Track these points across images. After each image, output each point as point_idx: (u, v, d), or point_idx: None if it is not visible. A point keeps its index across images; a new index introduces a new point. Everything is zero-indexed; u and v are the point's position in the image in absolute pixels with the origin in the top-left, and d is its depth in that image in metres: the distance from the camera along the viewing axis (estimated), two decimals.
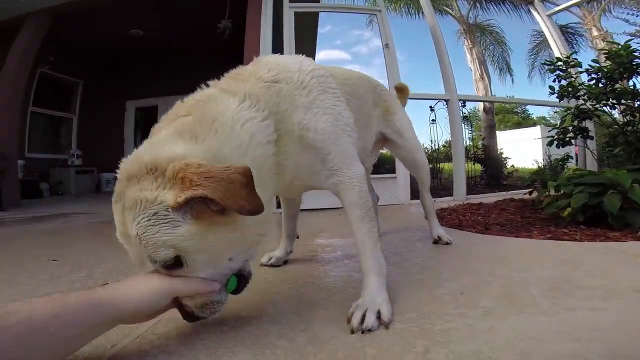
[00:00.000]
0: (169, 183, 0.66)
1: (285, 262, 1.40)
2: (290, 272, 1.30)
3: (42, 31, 4.74)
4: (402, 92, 1.84)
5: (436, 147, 4.58)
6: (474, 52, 8.25)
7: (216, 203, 0.64)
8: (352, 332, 0.77)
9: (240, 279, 0.82)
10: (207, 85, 0.91)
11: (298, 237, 1.49)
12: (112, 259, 1.52)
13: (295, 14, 3.53)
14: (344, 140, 0.96)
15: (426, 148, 4.62)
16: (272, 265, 1.35)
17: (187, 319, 0.77)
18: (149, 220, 0.65)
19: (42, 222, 3.02)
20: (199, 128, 0.75)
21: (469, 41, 8.32)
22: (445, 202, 3.23)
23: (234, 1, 4.20)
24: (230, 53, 3.61)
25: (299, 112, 0.90)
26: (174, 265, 0.70)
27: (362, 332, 0.76)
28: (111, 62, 7.01)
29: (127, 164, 0.71)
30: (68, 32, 5.34)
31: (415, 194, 3.61)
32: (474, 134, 5.85)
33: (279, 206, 1.47)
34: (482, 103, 7.32)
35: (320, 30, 5.45)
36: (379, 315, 0.80)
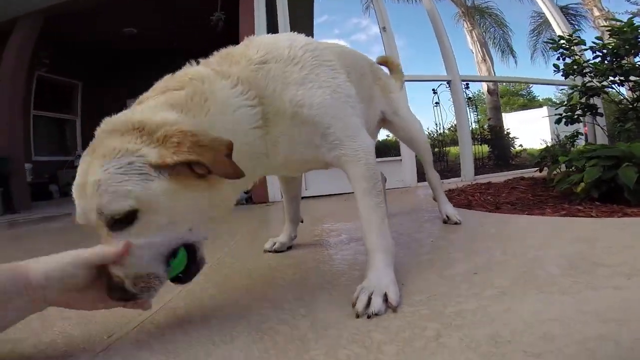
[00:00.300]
0: (156, 143, 0.64)
1: (290, 248, 1.36)
2: (294, 257, 1.26)
3: (35, 33, 4.69)
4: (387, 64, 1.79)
5: (441, 130, 4.48)
6: (474, 34, 8.04)
7: (203, 167, 0.65)
8: (357, 316, 0.72)
9: (191, 257, 0.72)
10: (198, 63, 0.87)
11: (302, 222, 1.45)
12: None
13: (289, 1, 3.43)
14: (346, 113, 0.90)
15: (431, 132, 4.54)
16: (275, 251, 1.32)
17: (114, 293, 0.65)
18: (121, 168, 0.62)
19: (51, 222, 3.04)
20: (191, 104, 0.74)
21: (468, 23, 8.10)
22: (453, 183, 3.16)
23: None
24: None
25: (291, 89, 0.85)
26: (122, 221, 0.63)
27: (368, 317, 0.71)
28: (111, 62, 6.95)
29: (114, 121, 0.70)
30: (63, 33, 5.28)
31: (422, 176, 3.54)
32: (479, 117, 5.72)
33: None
34: (486, 85, 7.15)
35: (317, 20, 5.33)
36: (386, 298, 0.75)
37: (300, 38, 0.95)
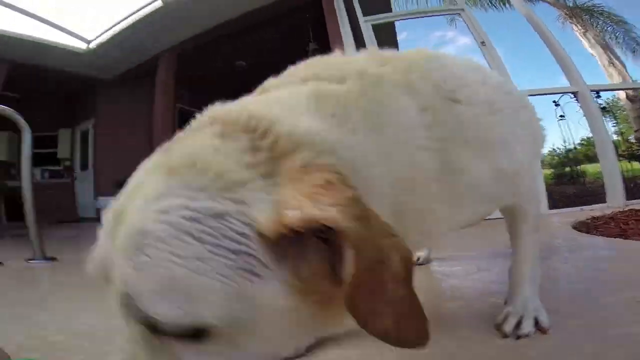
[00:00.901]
0: (283, 172, 0.34)
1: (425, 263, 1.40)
2: (422, 281, 1.28)
3: (173, 69, 5.39)
4: None
5: (570, 146, 3.95)
6: (589, 36, 6.96)
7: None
8: (505, 336, 0.73)
9: None
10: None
11: None
12: None
13: (373, 26, 3.57)
14: (535, 169, 0.84)
15: (557, 148, 4.03)
16: (419, 264, 1.37)
17: None
18: (201, 225, 0.31)
19: None
20: (355, 112, 0.45)
21: (578, 26, 7.07)
22: (596, 209, 2.73)
23: (315, 26, 4.50)
24: None
25: (489, 153, 0.60)
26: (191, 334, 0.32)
27: (518, 337, 0.72)
28: (227, 95, 7.91)
29: (218, 109, 0.44)
30: (192, 67, 5.86)
31: (554, 203, 3.16)
32: (621, 127, 4.85)
33: None
34: (623, 91, 6.04)
35: (399, 37, 5.34)
36: (536, 322, 0.74)
37: (490, 73, 0.78)
